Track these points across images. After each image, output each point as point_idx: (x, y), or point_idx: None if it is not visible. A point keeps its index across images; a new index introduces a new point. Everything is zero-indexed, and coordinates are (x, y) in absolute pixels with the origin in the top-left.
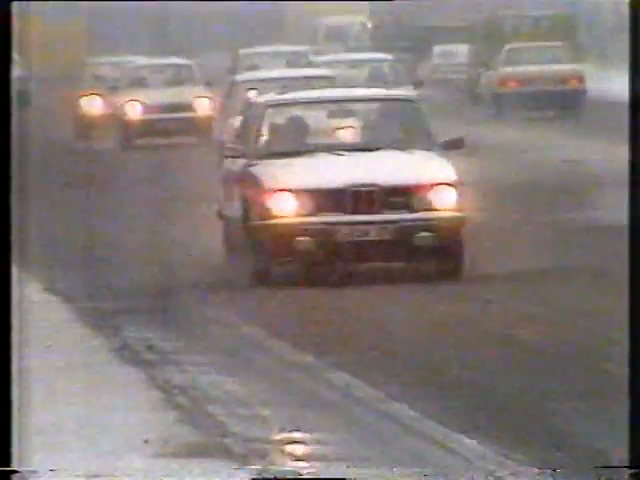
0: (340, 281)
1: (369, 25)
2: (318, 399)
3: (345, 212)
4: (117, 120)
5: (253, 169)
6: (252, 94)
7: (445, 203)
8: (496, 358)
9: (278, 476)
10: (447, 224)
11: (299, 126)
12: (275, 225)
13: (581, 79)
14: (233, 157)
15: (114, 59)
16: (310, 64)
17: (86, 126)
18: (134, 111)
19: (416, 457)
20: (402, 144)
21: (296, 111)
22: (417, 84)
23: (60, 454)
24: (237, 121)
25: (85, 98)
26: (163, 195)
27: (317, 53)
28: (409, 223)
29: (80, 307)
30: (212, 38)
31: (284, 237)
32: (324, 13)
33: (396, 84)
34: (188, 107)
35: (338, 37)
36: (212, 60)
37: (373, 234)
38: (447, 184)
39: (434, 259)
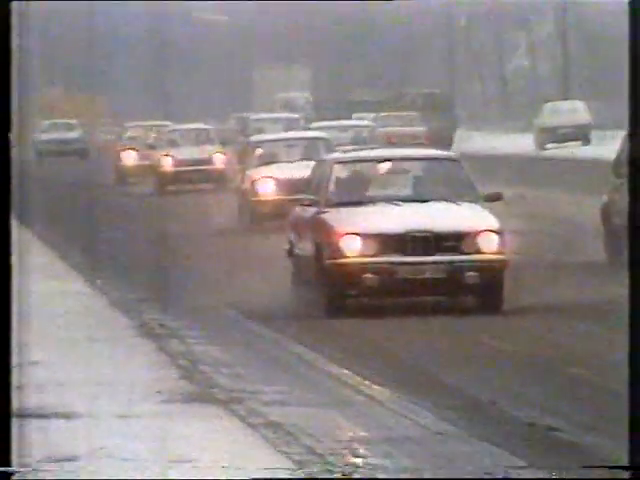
0: (400, 312)
1: (311, 99)
2: (280, 365)
3: (405, 253)
4: (153, 170)
5: (324, 216)
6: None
7: (490, 247)
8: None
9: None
10: (491, 265)
11: (361, 180)
12: (345, 264)
13: (426, 137)
14: (305, 205)
15: (145, 123)
16: (306, 128)
17: (124, 174)
18: (168, 164)
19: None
20: (449, 196)
21: (359, 167)
22: (387, 144)
23: (92, 401)
24: (256, 172)
25: (124, 152)
26: (189, 226)
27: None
28: (459, 264)
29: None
30: (201, 105)
31: (353, 274)
32: (281, 89)
33: (371, 143)
34: (208, 161)
35: (290, 107)
36: (207, 123)
37: (429, 273)
38: (491, 231)
39: (479, 294)
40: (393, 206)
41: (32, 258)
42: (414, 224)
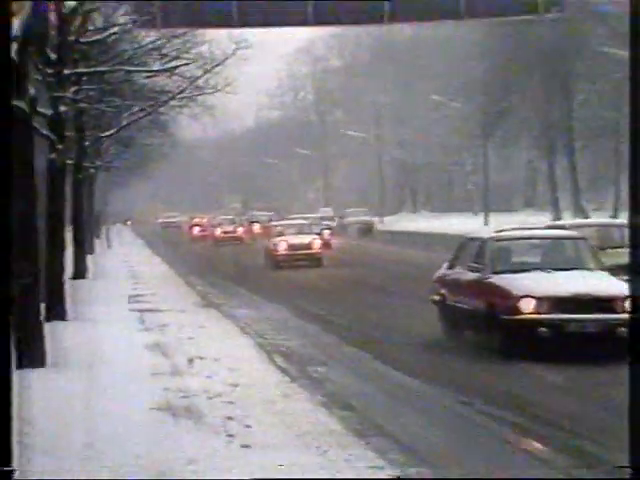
0: (565, 358)
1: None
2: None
3: (570, 312)
4: (211, 236)
5: (494, 280)
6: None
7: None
8: None
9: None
10: None
11: (513, 253)
12: (523, 320)
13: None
14: (472, 271)
15: (201, 214)
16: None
17: (193, 237)
18: (218, 233)
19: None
20: (583, 265)
21: (511, 244)
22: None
23: (168, 305)
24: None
25: (193, 228)
26: (232, 261)
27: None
28: (612, 321)
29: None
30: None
31: (529, 328)
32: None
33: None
34: (235, 232)
35: (236, 212)
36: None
37: (590, 328)
38: None
39: (625, 345)
40: (545, 273)
41: (154, 268)
42: (575, 288)
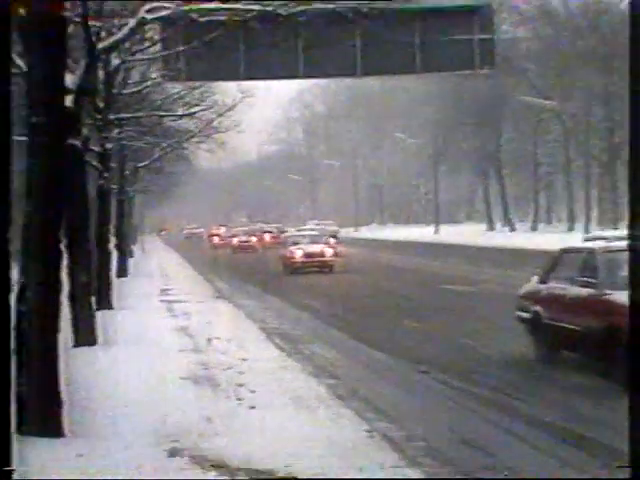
0: None
1: (247, 220)
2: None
3: None
4: (228, 244)
5: (615, 297)
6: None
7: None
8: None
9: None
10: None
11: (625, 265)
12: None
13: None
14: (580, 286)
15: (220, 226)
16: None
17: (213, 245)
18: (235, 242)
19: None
20: None
21: (622, 255)
22: None
23: (188, 297)
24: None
25: (213, 237)
26: (248, 265)
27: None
28: None
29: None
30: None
31: None
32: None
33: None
34: (249, 241)
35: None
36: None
37: None
38: None
39: None
40: None
41: (179, 269)
42: None
